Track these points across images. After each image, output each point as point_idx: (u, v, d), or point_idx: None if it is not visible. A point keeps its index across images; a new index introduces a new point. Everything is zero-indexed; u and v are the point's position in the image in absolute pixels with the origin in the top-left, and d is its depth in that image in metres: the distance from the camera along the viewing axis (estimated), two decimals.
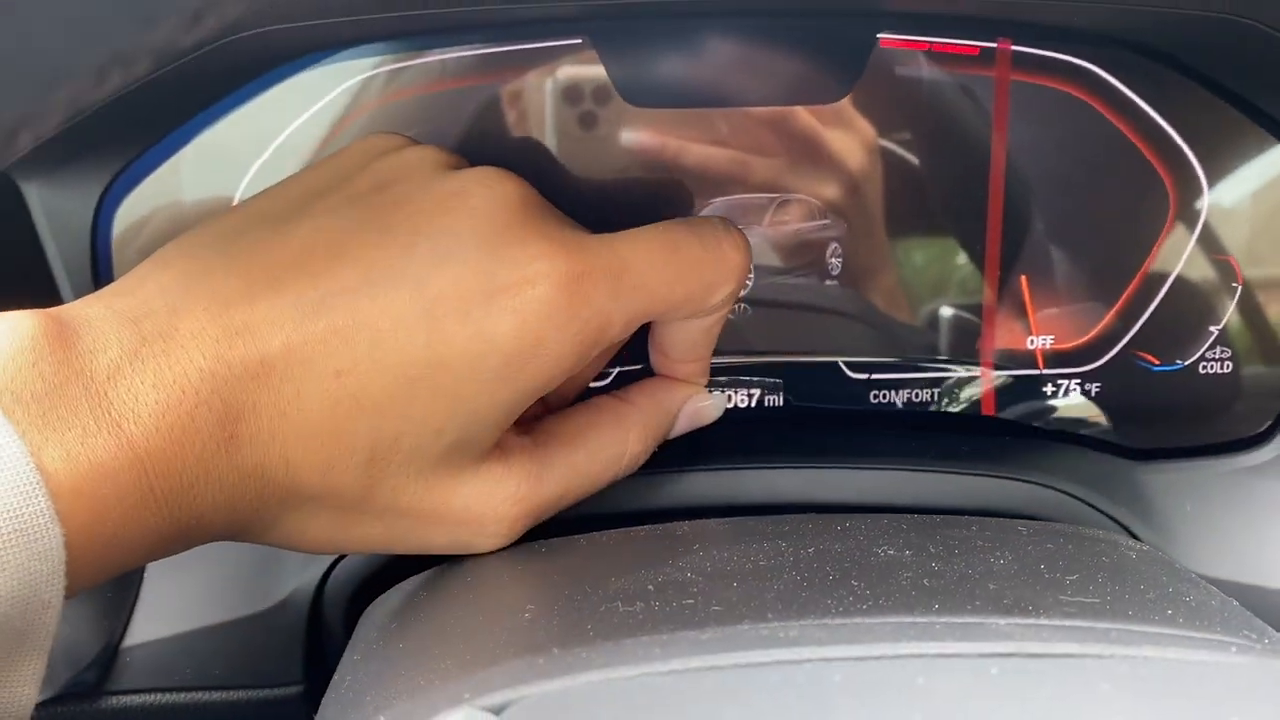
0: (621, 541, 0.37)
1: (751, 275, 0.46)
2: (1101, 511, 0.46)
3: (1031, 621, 0.26)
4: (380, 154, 0.37)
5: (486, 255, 0.34)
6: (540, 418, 0.41)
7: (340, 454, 0.33)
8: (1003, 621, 0.26)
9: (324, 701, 0.33)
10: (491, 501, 0.36)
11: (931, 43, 0.45)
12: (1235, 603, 0.33)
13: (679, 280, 0.37)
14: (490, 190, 0.35)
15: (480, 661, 0.27)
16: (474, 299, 0.33)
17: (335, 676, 0.34)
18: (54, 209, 0.43)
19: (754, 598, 0.29)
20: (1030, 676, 0.22)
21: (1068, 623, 0.26)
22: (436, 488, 0.35)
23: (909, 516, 0.38)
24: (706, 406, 0.44)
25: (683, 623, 0.27)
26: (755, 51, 0.44)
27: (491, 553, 0.38)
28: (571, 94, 0.44)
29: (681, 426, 0.44)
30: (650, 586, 0.31)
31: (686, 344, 0.42)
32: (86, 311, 0.31)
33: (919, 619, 0.26)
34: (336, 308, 0.32)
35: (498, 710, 0.22)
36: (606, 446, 0.40)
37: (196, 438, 0.31)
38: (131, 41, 0.12)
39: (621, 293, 0.35)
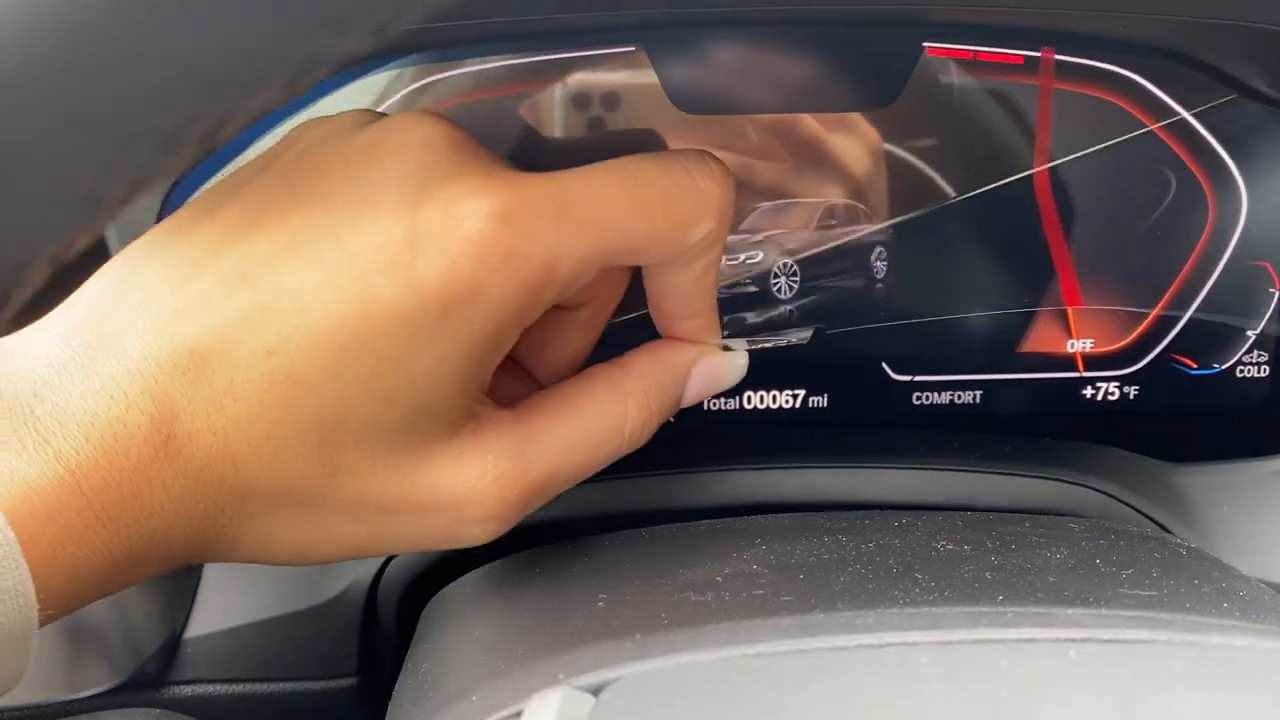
0: (682, 535, 0.38)
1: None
2: (1140, 512, 0.47)
3: (1098, 611, 0.27)
4: (307, 129, 0.35)
5: (408, 199, 0.31)
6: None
7: (288, 442, 0.30)
8: (1070, 611, 0.27)
9: (398, 687, 0.34)
10: (467, 479, 0.33)
11: (976, 52, 0.46)
12: None
13: (641, 213, 0.33)
14: (409, 134, 0.32)
15: (562, 646, 0.28)
16: (398, 248, 0.30)
17: (407, 664, 0.35)
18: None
19: (822, 589, 0.30)
20: (1108, 659, 0.23)
21: (1132, 613, 0.27)
22: (404, 471, 0.32)
23: (963, 514, 0.39)
24: (725, 368, 0.40)
25: (756, 611, 0.28)
26: (804, 60, 0.45)
27: (553, 546, 0.39)
28: (580, 101, 0.45)
29: (696, 391, 0.40)
30: (719, 578, 0.32)
31: (679, 295, 0.38)
32: (17, 340, 0.30)
33: (989, 609, 0.27)
34: (259, 282, 0.30)
35: (594, 690, 0.23)
36: (602, 418, 0.36)
37: (130, 444, 0.29)
38: (320, 47, 0.13)
39: (568, 226, 0.32)
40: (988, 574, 0.31)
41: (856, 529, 0.36)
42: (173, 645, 0.44)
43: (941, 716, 0.21)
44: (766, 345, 0.46)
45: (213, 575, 0.45)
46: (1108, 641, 0.24)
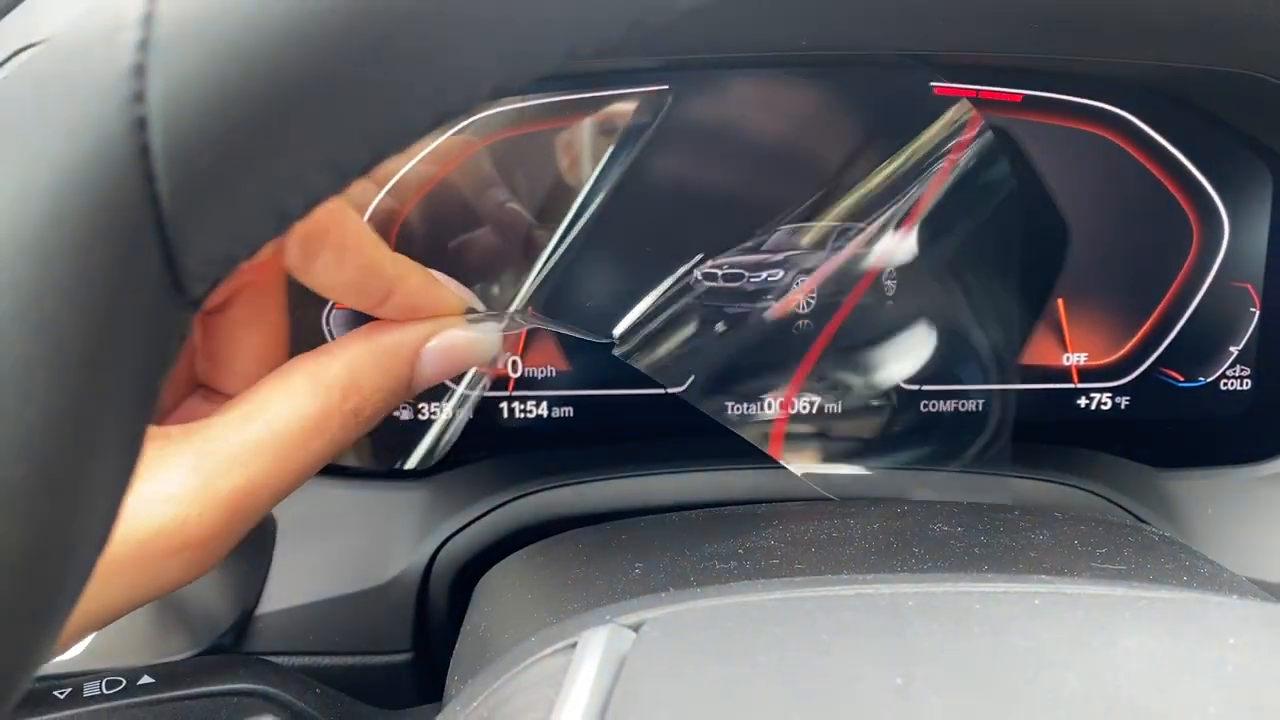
0: (708, 518, 0.42)
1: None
2: (1130, 513, 0.51)
3: (1066, 576, 0.31)
4: None
5: None
6: None
7: None
8: (1043, 577, 0.31)
9: (459, 645, 0.38)
10: (142, 509, 0.29)
11: (979, 90, 0.50)
12: (1244, 578, 0.38)
13: None
14: None
15: (606, 601, 0.32)
16: None
17: (465, 626, 0.39)
18: None
19: (830, 559, 0.34)
20: (1066, 606, 0.27)
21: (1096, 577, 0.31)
22: None
23: (958, 503, 0.43)
24: (464, 343, 0.36)
25: (772, 575, 0.33)
26: (820, 98, 0.50)
27: (592, 528, 0.43)
28: (607, 127, 0.50)
29: (435, 369, 0.36)
30: (740, 550, 0.36)
31: (335, 287, 0.34)
32: None
33: (973, 573, 0.31)
34: None
35: (635, 628, 0.28)
36: (299, 413, 0.32)
37: None
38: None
39: None
40: (976, 550, 0.35)
41: (862, 513, 0.40)
42: (246, 619, 0.49)
43: (922, 644, 0.25)
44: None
45: (282, 559, 0.50)
46: (1069, 595, 0.28)
